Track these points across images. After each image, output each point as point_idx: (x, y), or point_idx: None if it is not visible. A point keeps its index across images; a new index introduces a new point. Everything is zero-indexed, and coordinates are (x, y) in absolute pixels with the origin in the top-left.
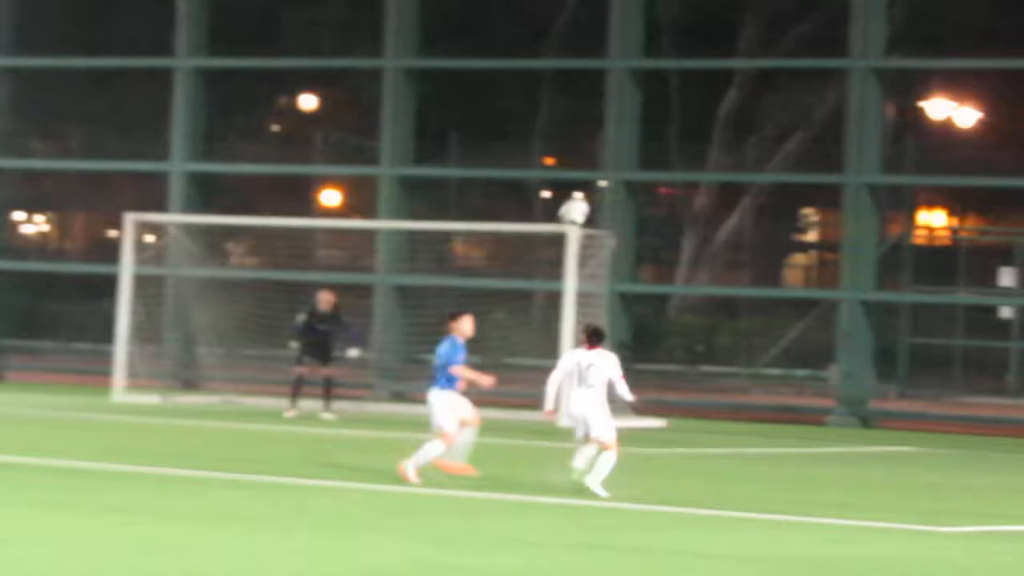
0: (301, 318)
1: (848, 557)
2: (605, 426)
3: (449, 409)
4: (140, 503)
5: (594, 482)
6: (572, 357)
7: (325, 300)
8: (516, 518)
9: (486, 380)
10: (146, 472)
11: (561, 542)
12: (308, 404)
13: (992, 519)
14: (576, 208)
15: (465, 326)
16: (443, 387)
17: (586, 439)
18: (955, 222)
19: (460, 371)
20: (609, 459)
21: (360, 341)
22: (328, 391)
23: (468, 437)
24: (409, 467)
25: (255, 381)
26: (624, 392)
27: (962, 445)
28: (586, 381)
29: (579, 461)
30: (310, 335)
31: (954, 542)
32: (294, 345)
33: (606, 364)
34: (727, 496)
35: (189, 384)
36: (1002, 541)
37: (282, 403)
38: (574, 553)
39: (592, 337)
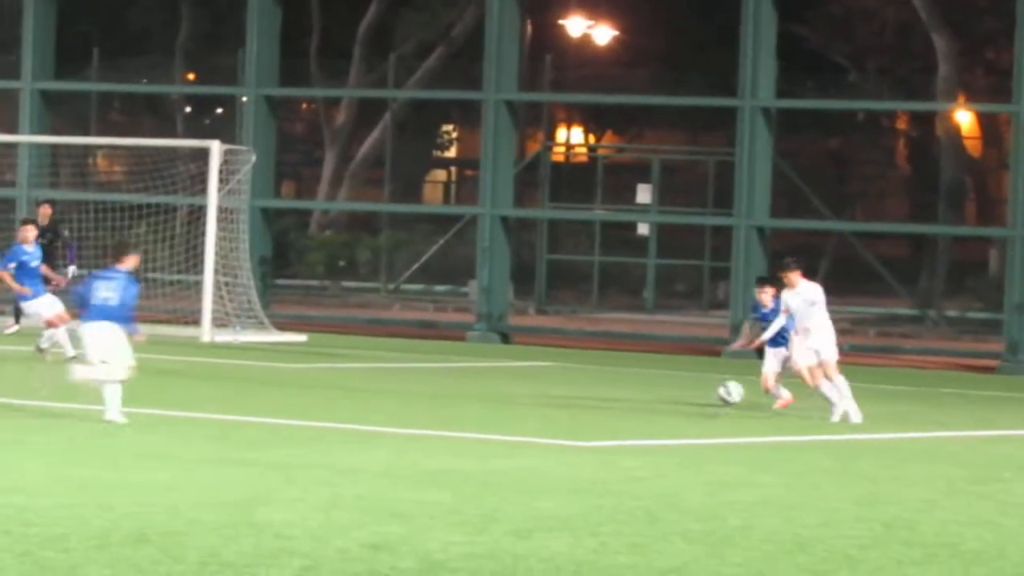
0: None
1: (486, 471)
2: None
3: None
4: None
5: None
6: None
7: (43, 214)
8: (162, 434)
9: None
10: None
11: (203, 457)
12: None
13: (627, 434)
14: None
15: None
16: None
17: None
18: (593, 140)
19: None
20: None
21: (74, 258)
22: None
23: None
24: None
25: None
26: None
27: (599, 361)
28: None
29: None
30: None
31: (590, 456)
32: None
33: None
34: (367, 411)
35: None
36: (636, 455)
37: None
38: (215, 468)
39: None
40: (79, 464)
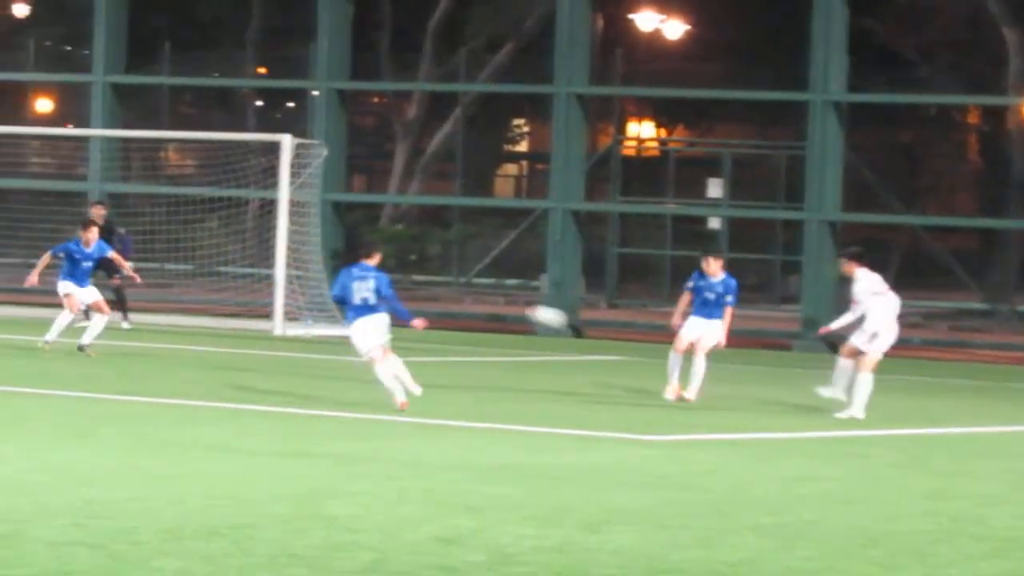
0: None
1: (556, 464)
2: None
3: None
4: None
5: None
6: None
7: (97, 214)
8: (227, 426)
9: None
10: None
11: (270, 450)
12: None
13: (697, 428)
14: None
15: None
16: None
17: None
18: (664, 134)
19: None
20: None
21: (129, 251)
22: (122, 303)
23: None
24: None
25: None
26: None
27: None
28: None
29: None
30: None
31: (660, 450)
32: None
33: None
34: (437, 404)
35: None
36: (705, 449)
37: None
38: (285, 461)
39: None
40: (150, 457)
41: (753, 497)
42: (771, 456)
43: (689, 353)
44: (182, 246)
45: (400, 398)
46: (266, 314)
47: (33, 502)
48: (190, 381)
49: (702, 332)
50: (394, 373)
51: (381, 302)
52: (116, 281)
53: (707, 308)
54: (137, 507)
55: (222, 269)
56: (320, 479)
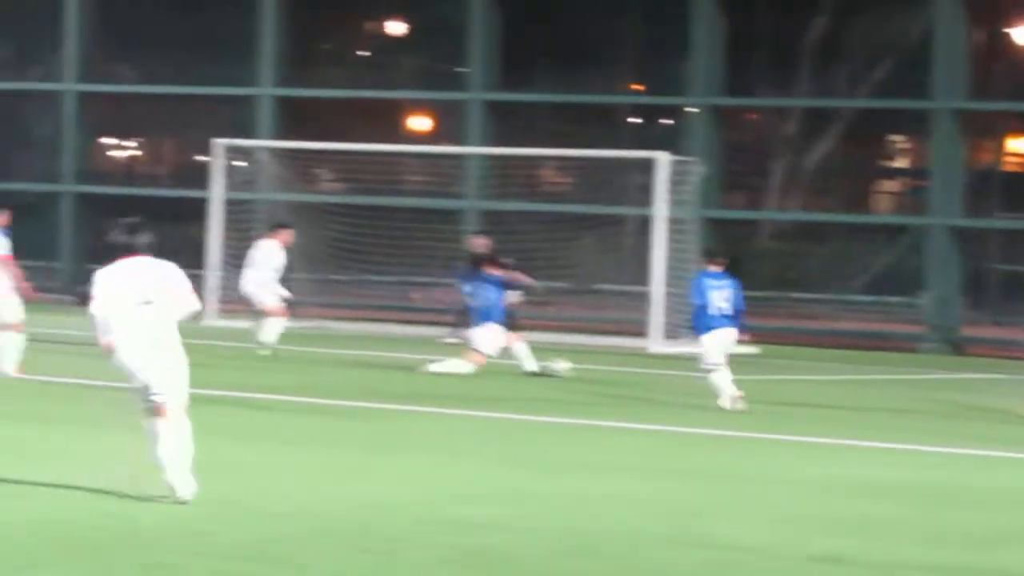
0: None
1: (938, 483)
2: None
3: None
4: (228, 428)
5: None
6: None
7: (479, 245)
8: (608, 443)
9: None
10: (231, 396)
11: (651, 467)
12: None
13: None
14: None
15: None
16: None
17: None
18: None
19: None
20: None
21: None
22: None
23: None
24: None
25: (344, 307)
26: None
27: None
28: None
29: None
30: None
31: None
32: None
33: None
34: (819, 422)
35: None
36: None
37: (372, 328)
38: (663, 479)
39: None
40: (528, 475)
41: None
42: None
43: None
44: (559, 264)
45: (731, 396)
46: (642, 332)
47: (412, 519)
48: (564, 399)
49: None
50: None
51: (734, 313)
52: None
53: None
54: (521, 525)
55: (599, 287)
56: (699, 497)
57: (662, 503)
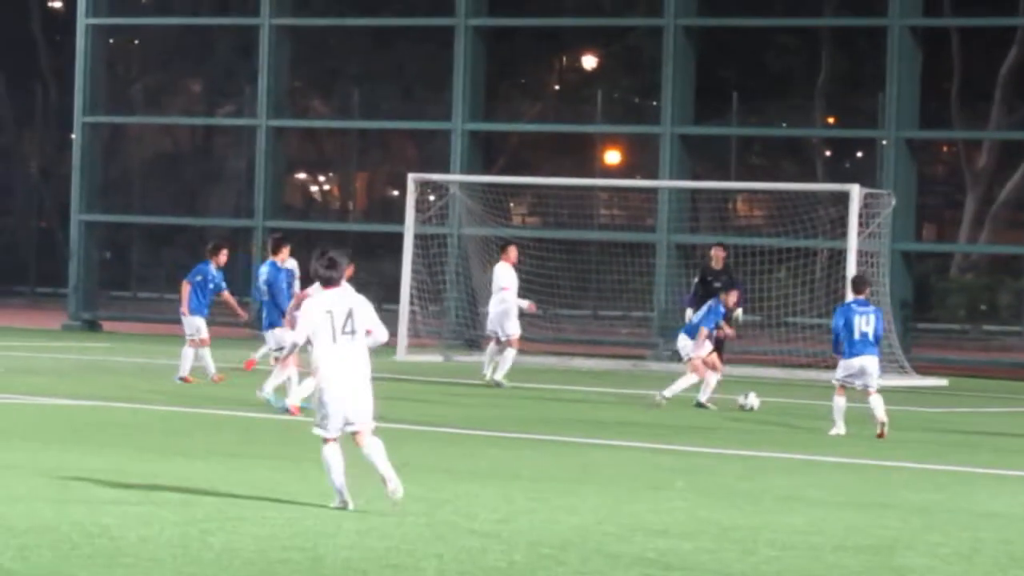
0: (695, 280)
1: None
2: None
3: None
4: (422, 461)
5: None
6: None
7: (717, 257)
8: (798, 476)
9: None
10: (427, 431)
11: (841, 500)
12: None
13: None
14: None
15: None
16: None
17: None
18: None
19: None
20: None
21: (743, 302)
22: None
23: None
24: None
25: (535, 340)
26: None
27: None
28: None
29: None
30: (704, 293)
31: None
32: (689, 314)
33: None
34: (1010, 454)
35: (472, 343)
36: None
37: (569, 362)
38: (854, 511)
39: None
40: (719, 508)
41: None
42: None
43: None
44: (751, 296)
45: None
46: (834, 364)
47: (602, 552)
48: (757, 432)
49: None
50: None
51: (875, 340)
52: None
53: None
54: (707, 559)
55: (791, 320)
56: (892, 530)
57: (855, 536)
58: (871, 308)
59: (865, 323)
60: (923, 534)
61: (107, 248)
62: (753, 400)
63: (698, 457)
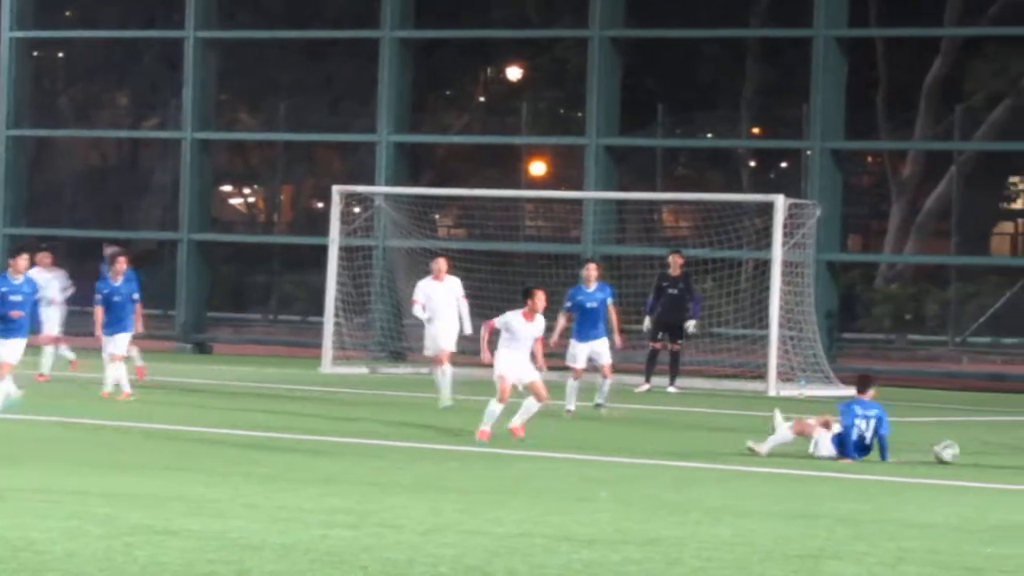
0: (653, 288)
1: None
2: None
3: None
4: (349, 474)
5: None
6: None
7: (675, 263)
8: (726, 487)
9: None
10: (354, 443)
11: (768, 511)
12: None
13: None
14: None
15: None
16: None
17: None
18: None
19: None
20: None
21: (697, 313)
22: (675, 366)
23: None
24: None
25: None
26: None
27: None
28: None
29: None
30: (663, 299)
31: None
32: (646, 326)
33: None
34: (934, 466)
35: (397, 356)
36: None
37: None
38: (782, 522)
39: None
40: (647, 519)
41: None
42: None
43: None
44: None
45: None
46: (760, 375)
47: (528, 563)
48: (686, 442)
49: None
50: None
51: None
52: (677, 347)
53: None
54: (633, 569)
55: (717, 330)
56: (819, 540)
57: (783, 546)
58: (875, 410)
59: (865, 426)
60: (849, 543)
61: None
62: (951, 452)
63: (627, 468)
